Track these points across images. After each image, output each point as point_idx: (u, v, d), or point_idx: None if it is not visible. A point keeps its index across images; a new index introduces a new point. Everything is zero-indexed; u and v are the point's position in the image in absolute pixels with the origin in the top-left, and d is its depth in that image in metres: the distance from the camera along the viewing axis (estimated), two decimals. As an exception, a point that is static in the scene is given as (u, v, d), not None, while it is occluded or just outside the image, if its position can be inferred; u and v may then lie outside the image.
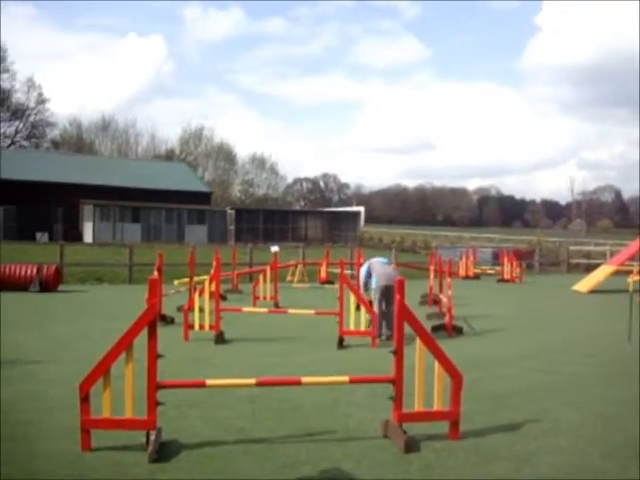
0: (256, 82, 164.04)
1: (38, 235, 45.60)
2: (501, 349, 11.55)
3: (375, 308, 11.94)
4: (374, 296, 12.24)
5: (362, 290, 12.53)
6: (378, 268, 12.41)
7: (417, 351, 5.99)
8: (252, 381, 5.88)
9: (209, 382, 5.86)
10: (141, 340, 5.60)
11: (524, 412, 7.17)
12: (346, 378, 6.12)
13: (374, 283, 12.25)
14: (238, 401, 7.28)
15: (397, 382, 5.94)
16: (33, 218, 46.24)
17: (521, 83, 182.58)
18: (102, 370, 5.67)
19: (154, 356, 5.67)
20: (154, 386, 5.68)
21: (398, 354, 5.93)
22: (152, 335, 5.67)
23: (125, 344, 5.66)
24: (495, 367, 9.87)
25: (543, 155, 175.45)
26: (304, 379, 5.95)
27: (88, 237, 47.39)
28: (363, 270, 12.81)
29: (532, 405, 7.56)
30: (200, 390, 7.01)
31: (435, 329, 12.85)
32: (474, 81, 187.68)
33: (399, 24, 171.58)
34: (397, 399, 5.93)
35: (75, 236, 46.97)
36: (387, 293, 11.87)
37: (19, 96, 73.63)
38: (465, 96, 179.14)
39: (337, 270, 24.67)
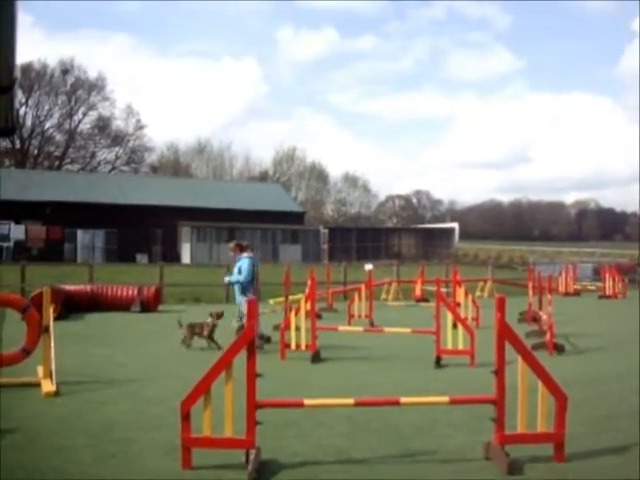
0: (347, 101, 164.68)
1: (138, 257, 47.03)
2: (605, 368, 11.12)
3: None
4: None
5: (240, 278, 12.71)
6: (255, 277, 12.87)
7: (519, 371, 5.83)
8: (350, 401, 5.84)
9: (307, 402, 5.86)
10: (240, 360, 5.65)
11: (632, 434, 6.86)
12: (446, 398, 6.01)
13: (250, 292, 12.44)
14: (335, 421, 7.24)
15: (499, 403, 5.79)
16: (133, 240, 47.72)
17: (618, 91, 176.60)
18: (203, 389, 5.74)
19: (253, 375, 5.71)
20: (253, 405, 5.71)
21: (499, 374, 5.78)
22: (251, 355, 5.72)
23: (225, 363, 5.72)
24: (600, 387, 9.52)
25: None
26: (402, 399, 5.87)
27: (186, 258, 48.54)
28: (248, 264, 12.73)
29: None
30: (297, 410, 7.01)
31: (535, 347, 12.50)
32: (569, 91, 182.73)
33: (490, 35, 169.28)
34: (499, 420, 5.78)
35: (173, 257, 48.18)
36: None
37: (118, 123, 76.64)
38: (560, 107, 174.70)
39: (432, 288, 24.47)
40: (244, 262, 12.85)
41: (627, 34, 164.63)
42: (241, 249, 13.24)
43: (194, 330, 12.95)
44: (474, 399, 6.40)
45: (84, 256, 45.70)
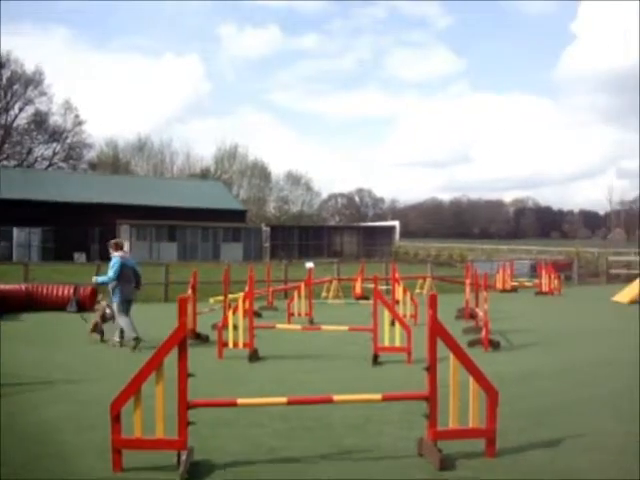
0: (291, 99, 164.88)
1: (76, 255, 46.15)
2: (540, 363, 11.31)
3: (123, 315, 12.73)
4: (117, 303, 12.78)
5: (106, 279, 12.89)
6: (126, 278, 12.87)
7: (451, 367, 5.87)
8: (283, 399, 5.80)
9: (240, 401, 5.80)
10: (173, 358, 5.57)
11: (566, 427, 7.00)
12: (379, 396, 6.01)
13: (119, 293, 12.70)
14: (270, 419, 7.20)
15: (431, 399, 5.82)
16: (71, 239, 46.80)
17: (557, 92, 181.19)
18: (133, 390, 5.64)
19: (185, 375, 5.63)
20: (185, 406, 5.63)
21: (431, 371, 5.81)
22: (182, 354, 5.64)
23: (155, 363, 5.63)
24: (534, 381, 9.68)
25: (580, 165, 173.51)
26: (336, 397, 5.85)
27: (125, 256, 47.82)
28: (117, 265, 12.78)
29: (574, 420, 7.39)
30: (232, 408, 6.94)
31: (472, 344, 12.67)
32: (510, 92, 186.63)
33: (431, 35, 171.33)
34: (431, 417, 5.81)
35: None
36: (128, 305, 12.94)
37: (56, 118, 74.99)
38: (501, 107, 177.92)
39: (372, 285, 24.58)
40: (114, 262, 12.82)
41: (566, 36, 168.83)
42: (116, 248, 13.20)
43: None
44: (407, 396, 6.43)
45: (20, 255, 44.62)
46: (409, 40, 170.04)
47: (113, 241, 13.63)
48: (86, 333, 13.57)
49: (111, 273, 12.72)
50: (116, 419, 5.64)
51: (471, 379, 5.90)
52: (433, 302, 5.84)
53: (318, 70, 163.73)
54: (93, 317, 13.83)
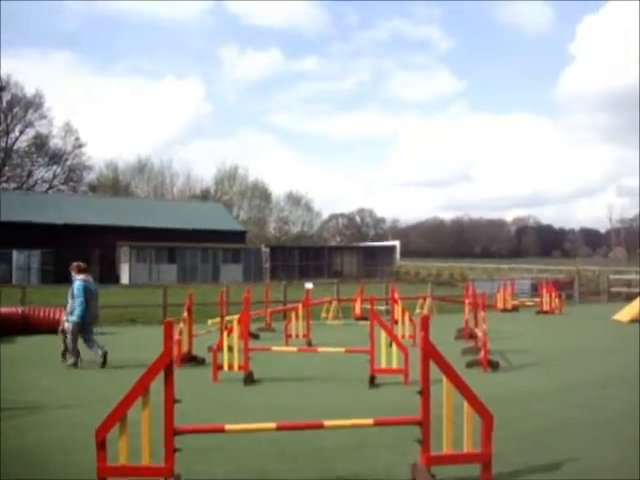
0: (291, 120, 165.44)
1: (75, 278, 45.92)
2: (539, 384, 11.15)
3: (72, 337, 12.78)
4: (73, 324, 12.80)
5: (80, 313, 12.79)
6: (89, 302, 12.89)
7: (445, 390, 5.73)
8: (272, 425, 5.65)
9: (228, 427, 5.65)
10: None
11: (563, 450, 6.86)
12: (371, 421, 5.86)
13: (80, 312, 12.72)
14: (259, 444, 7.04)
15: (424, 424, 5.68)
16: (70, 261, 46.19)
17: (557, 112, 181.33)
18: (118, 416, 5.51)
19: (171, 401, 5.51)
20: (172, 432, 5.50)
21: (424, 394, 5.67)
22: (168, 379, 5.51)
23: (141, 389, 5.50)
24: (532, 403, 9.53)
25: (581, 183, 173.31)
26: (326, 422, 5.70)
27: (125, 279, 47.72)
28: (80, 289, 12.83)
29: (571, 443, 7.24)
30: (222, 434, 6.79)
31: (470, 364, 12.52)
32: (510, 112, 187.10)
33: (432, 57, 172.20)
34: (424, 442, 5.66)
35: (112, 278, 47.30)
36: (90, 328, 13.07)
37: (56, 141, 75.14)
38: (501, 127, 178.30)
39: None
40: (78, 286, 12.88)
41: (565, 57, 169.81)
42: (79, 271, 13.18)
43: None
44: (399, 421, 6.27)
45: (19, 277, 44.48)
46: (410, 62, 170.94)
47: (75, 263, 13.53)
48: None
49: (80, 300, 12.80)
50: (101, 446, 5.50)
51: (465, 402, 5.76)
52: (425, 323, 5.72)
53: (318, 91, 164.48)
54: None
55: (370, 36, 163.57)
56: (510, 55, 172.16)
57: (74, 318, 12.82)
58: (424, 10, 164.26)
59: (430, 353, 5.61)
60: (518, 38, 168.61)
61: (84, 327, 12.93)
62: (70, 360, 12.85)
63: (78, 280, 12.96)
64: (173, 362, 5.57)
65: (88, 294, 12.93)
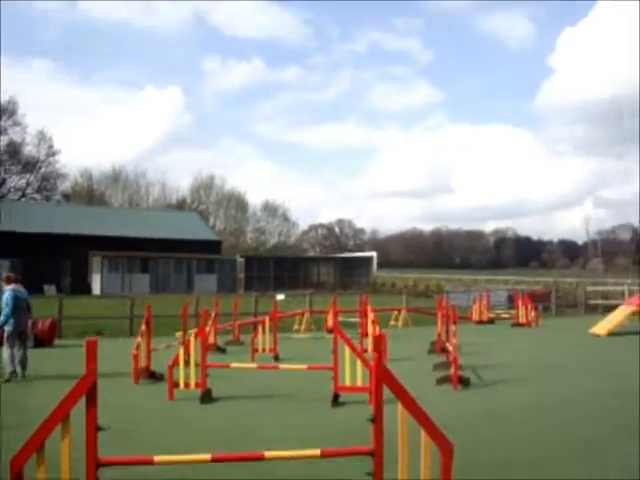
0: (271, 130, 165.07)
1: (45, 288, 45.02)
2: (510, 402, 10.64)
3: (8, 349, 12.73)
4: (7, 333, 12.82)
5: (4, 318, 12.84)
6: (20, 311, 12.96)
7: (399, 417, 5.16)
8: (207, 457, 5.06)
9: (157, 458, 5.05)
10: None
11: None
12: (317, 451, 5.27)
13: (13, 324, 12.77)
14: (196, 472, 6.41)
15: (377, 454, 5.10)
16: (41, 271, 45.65)
17: (536, 124, 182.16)
18: (35, 445, 4.90)
19: (93, 429, 4.92)
20: (94, 464, 4.91)
21: (377, 422, 5.09)
22: (91, 405, 4.93)
23: (60, 415, 4.90)
24: (501, 425, 9.01)
25: (560, 195, 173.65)
26: (267, 454, 5.11)
27: (97, 289, 46.85)
28: (9, 299, 12.85)
29: (539, 470, 6.70)
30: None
31: (440, 381, 12.01)
32: (489, 123, 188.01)
33: (412, 69, 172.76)
34: (377, 474, 5.09)
35: (84, 288, 46.42)
36: (22, 337, 12.99)
37: (30, 149, 73.90)
38: (480, 139, 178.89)
39: (346, 319, 23.84)
40: (7, 296, 12.93)
41: (544, 69, 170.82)
42: (8, 281, 13.26)
43: None
44: (349, 451, 5.64)
45: (-13, 287, 43.49)
46: (390, 74, 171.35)
47: (6, 274, 13.83)
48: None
49: (7, 310, 12.81)
50: (17, 478, 4.89)
51: (422, 431, 5.19)
52: (379, 344, 5.16)
53: (299, 102, 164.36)
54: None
55: (351, 48, 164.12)
56: (490, 67, 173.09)
57: (8, 328, 12.88)
58: (404, 23, 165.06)
59: (383, 376, 5.05)
60: (498, 50, 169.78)
61: (19, 337, 12.96)
62: (7, 371, 12.79)
63: (8, 290, 13.01)
64: (96, 385, 4.98)
65: (19, 302, 13.00)
